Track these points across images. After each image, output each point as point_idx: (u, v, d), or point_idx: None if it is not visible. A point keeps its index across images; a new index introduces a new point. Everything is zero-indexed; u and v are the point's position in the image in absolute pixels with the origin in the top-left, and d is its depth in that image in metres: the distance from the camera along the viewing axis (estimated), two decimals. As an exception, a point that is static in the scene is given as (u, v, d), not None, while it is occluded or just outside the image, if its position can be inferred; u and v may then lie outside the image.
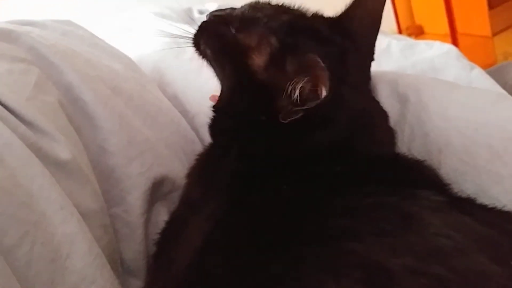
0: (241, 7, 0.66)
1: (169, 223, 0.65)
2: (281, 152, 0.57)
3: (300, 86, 0.54)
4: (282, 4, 0.65)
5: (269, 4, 0.65)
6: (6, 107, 0.57)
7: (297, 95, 0.54)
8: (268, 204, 0.52)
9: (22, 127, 0.56)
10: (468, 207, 0.52)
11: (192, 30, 0.70)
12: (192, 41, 0.69)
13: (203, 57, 0.69)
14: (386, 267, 0.40)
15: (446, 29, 2.24)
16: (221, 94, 0.67)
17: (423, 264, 0.40)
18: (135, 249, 0.67)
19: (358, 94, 0.61)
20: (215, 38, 0.65)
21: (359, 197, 0.49)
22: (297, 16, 0.63)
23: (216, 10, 0.69)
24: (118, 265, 0.63)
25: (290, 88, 0.54)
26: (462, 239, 0.43)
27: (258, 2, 0.66)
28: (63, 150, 0.58)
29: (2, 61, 0.62)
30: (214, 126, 0.67)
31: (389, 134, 0.65)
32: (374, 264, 0.40)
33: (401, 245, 0.42)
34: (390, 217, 0.46)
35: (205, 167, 0.66)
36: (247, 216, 0.52)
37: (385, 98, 0.68)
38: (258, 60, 0.59)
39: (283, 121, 0.55)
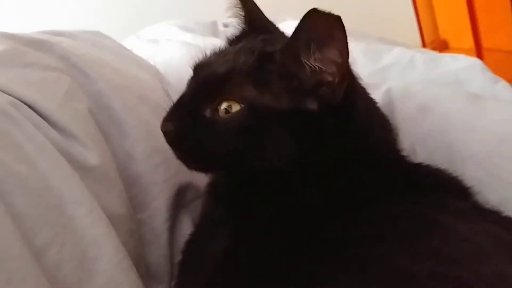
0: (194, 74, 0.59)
1: (194, 233, 0.66)
2: (314, 162, 0.55)
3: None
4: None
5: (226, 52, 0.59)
6: (39, 113, 0.59)
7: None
8: (296, 212, 0.52)
9: (53, 133, 0.58)
10: (494, 216, 0.52)
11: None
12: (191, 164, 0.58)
13: None
14: (410, 272, 0.40)
15: (471, 43, 2.22)
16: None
17: (448, 269, 0.40)
18: (160, 254, 0.68)
19: (369, 100, 0.62)
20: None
21: (385, 206, 0.49)
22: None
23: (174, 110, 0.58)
24: (143, 270, 0.64)
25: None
26: (488, 245, 0.43)
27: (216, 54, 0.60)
28: (92, 156, 0.60)
29: (36, 69, 0.64)
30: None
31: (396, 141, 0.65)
32: (398, 269, 0.41)
33: (425, 250, 0.43)
34: (416, 225, 0.46)
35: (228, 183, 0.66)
36: (275, 221, 0.53)
37: (408, 109, 0.68)
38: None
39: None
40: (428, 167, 0.59)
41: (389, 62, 0.98)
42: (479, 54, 2.18)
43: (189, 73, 0.68)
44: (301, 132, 0.53)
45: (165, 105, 0.79)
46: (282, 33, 0.66)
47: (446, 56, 0.97)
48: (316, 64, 0.52)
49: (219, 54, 0.60)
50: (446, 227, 0.46)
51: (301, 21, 0.50)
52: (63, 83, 0.65)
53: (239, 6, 0.64)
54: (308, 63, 0.52)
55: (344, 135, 0.55)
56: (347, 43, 0.50)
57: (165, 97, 0.81)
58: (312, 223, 0.50)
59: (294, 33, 0.52)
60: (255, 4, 0.64)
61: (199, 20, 1.32)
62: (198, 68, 0.60)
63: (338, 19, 0.48)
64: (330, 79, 0.52)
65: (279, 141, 0.53)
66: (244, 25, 0.65)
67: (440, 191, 0.54)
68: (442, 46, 2.43)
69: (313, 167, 0.53)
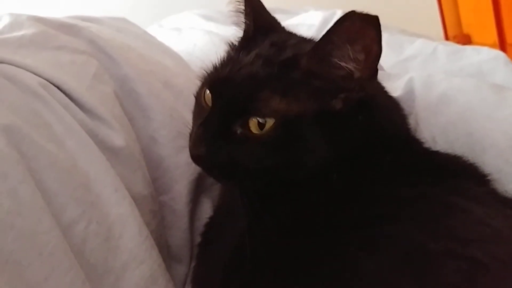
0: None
1: (214, 217, 0.67)
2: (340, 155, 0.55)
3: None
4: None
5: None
6: (67, 95, 0.61)
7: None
8: (315, 194, 0.53)
9: (81, 114, 0.60)
10: (511, 202, 0.52)
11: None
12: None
13: None
14: (425, 248, 0.41)
15: (494, 38, 2.19)
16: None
17: (463, 248, 0.41)
18: (181, 236, 0.69)
19: (382, 88, 0.63)
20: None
21: (402, 188, 0.50)
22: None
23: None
24: (164, 250, 0.66)
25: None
26: (503, 229, 0.43)
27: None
28: (118, 138, 0.61)
29: (65, 52, 0.66)
30: None
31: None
32: (413, 245, 0.42)
33: (442, 230, 0.43)
34: (432, 206, 0.47)
35: None
36: (294, 204, 0.54)
37: (430, 99, 0.68)
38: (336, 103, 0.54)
39: None
40: (446, 154, 0.60)
41: (411, 53, 0.99)
42: (503, 49, 2.15)
43: (211, 61, 0.68)
44: (331, 132, 0.53)
45: (189, 91, 0.80)
46: (289, 32, 0.66)
47: (469, 48, 0.97)
48: (350, 64, 0.52)
49: (233, 66, 0.57)
50: (462, 210, 0.46)
51: (338, 23, 0.50)
52: (91, 66, 0.67)
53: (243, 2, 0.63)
54: (341, 64, 0.52)
55: (367, 126, 0.55)
56: (381, 39, 0.50)
57: (189, 84, 0.83)
58: (331, 205, 0.51)
59: (327, 35, 0.51)
60: (259, 1, 0.64)
61: (221, 9, 1.33)
62: (217, 85, 0.57)
63: (375, 19, 0.48)
64: (359, 75, 0.52)
65: (312, 146, 0.53)
66: (248, 22, 0.64)
67: (458, 177, 0.54)
68: (465, 40, 2.40)
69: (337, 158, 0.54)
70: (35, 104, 0.56)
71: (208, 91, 0.58)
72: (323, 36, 0.52)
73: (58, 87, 0.60)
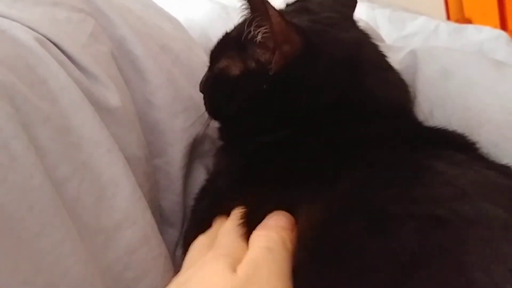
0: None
1: (209, 181, 0.67)
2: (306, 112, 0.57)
3: None
4: None
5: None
6: (63, 52, 0.59)
7: None
8: (293, 157, 0.54)
9: (77, 72, 0.59)
10: (492, 163, 0.53)
11: None
12: None
13: None
14: (386, 212, 0.42)
15: (496, 25, 2.19)
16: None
17: (424, 209, 0.41)
18: (174, 200, 0.69)
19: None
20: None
21: (381, 153, 0.51)
22: None
23: None
24: (157, 213, 0.65)
25: None
26: (472, 188, 0.43)
27: None
28: (113, 97, 0.60)
29: (62, 9, 0.65)
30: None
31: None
32: (375, 210, 0.43)
33: (406, 195, 0.43)
34: (407, 170, 0.47)
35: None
36: (276, 169, 0.55)
37: (431, 72, 0.68)
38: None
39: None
40: (432, 126, 0.61)
41: (413, 30, 0.98)
42: (505, 34, 2.14)
43: (211, 28, 0.71)
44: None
45: (186, 56, 0.80)
46: None
47: (470, 27, 0.97)
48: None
49: None
50: (434, 172, 0.46)
51: None
52: (88, 25, 0.65)
53: None
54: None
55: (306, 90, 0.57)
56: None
57: (187, 49, 0.82)
58: (307, 168, 0.52)
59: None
60: None
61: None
62: None
63: None
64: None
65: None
66: None
67: (444, 144, 0.55)
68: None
69: (302, 121, 0.56)
70: (30, 60, 0.55)
71: None
72: None
73: (54, 44, 0.59)
